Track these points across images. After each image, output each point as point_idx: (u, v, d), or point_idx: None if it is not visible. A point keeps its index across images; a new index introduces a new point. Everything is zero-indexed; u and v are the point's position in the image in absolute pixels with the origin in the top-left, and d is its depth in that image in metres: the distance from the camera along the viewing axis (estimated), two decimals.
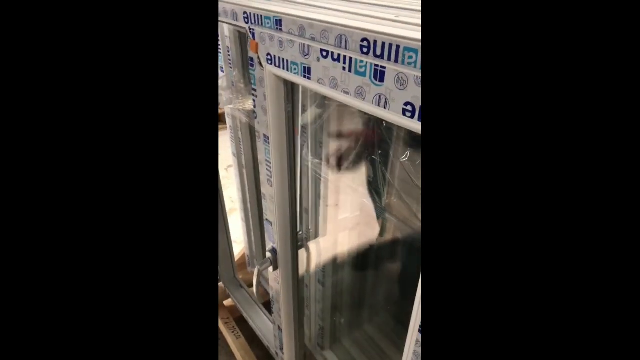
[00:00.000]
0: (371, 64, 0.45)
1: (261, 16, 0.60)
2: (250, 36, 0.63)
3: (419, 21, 0.45)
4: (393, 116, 0.45)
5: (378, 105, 0.46)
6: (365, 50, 0.45)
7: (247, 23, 0.63)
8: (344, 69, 0.49)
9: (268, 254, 0.92)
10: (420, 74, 0.40)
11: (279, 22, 0.57)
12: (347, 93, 0.50)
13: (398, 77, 0.42)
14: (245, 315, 1.36)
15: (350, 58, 0.47)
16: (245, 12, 0.63)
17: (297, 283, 0.99)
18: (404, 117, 0.43)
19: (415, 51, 0.40)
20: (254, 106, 0.72)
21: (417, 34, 0.40)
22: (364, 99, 0.47)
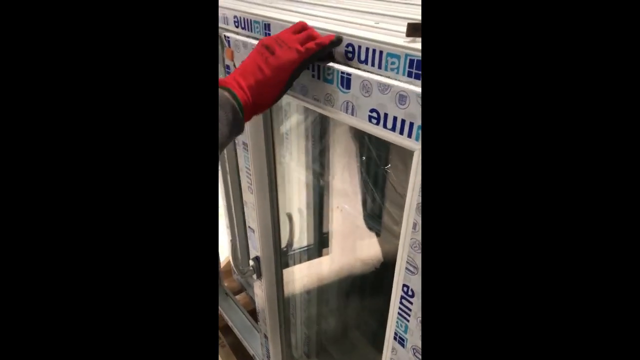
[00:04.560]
0: (338, 71, 0.46)
1: (251, 20, 0.61)
2: (226, 44, 0.63)
3: (399, 27, 0.46)
4: (360, 122, 0.45)
5: (346, 112, 0.47)
6: (350, 55, 0.46)
7: (237, 27, 0.64)
8: (313, 76, 0.49)
9: (251, 262, 0.91)
10: (387, 81, 0.41)
11: (267, 27, 0.58)
12: (317, 100, 0.50)
13: (363, 84, 0.43)
14: (230, 324, 1.34)
15: (319, 66, 0.48)
16: (235, 17, 0.64)
17: (282, 291, 0.99)
18: (370, 123, 0.44)
19: (398, 57, 0.40)
20: None
21: (400, 40, 0.41)
22: (333, 105, 0.48)
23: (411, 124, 0.40)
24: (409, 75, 0.40)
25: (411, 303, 0.50)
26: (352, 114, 0.46)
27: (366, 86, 0.43)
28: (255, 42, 0.58)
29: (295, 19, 0.54)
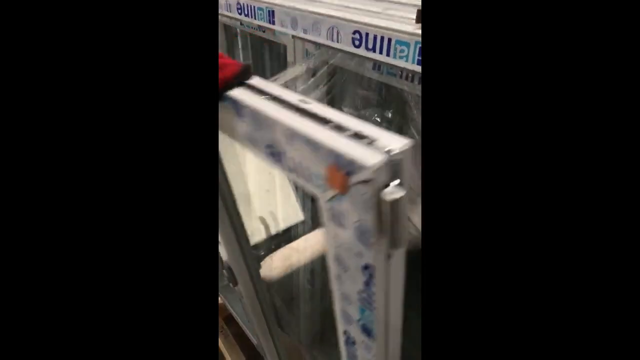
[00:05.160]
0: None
1: (254, 7, 0.57)
2: None
3: (407, 14, 0.42)
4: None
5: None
6: (357, 42, 0.41)
7: (240, 14, 0.61)
8: None
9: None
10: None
11: (271, 14, 0.54)
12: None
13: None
14: (234, 313, 1.34)
15: None
16: (238, 3, 0.61)
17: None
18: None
19: (407, 44, 0.36)
20: None
21: (409, 27, 0.37)
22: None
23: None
24: (419, 63, 0.36)
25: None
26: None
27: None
28: None
29: (301, 5, 0.50)
